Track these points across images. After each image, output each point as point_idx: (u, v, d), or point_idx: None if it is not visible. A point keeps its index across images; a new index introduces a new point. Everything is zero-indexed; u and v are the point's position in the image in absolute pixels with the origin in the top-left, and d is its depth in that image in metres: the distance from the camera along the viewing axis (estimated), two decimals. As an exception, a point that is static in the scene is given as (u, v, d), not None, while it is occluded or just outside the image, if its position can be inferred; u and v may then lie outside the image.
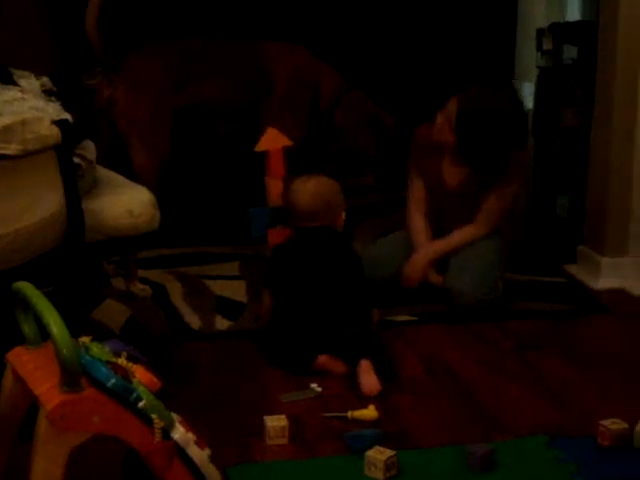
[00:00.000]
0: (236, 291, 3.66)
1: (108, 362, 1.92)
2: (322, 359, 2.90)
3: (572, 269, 3.89)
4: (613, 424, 2.47)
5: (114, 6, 3.70)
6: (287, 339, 2.95)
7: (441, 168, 3.55)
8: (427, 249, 3.53)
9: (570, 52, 5.46)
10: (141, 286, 3.60)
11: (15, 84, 2.85)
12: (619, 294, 3.69)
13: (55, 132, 2.53)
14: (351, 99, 4.04)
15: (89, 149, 3.03)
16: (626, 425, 2.47)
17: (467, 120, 3.36)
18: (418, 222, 3.58)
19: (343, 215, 3.21)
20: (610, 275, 3.74)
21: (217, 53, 3.90)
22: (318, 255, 3.07)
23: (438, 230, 3.60)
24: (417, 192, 3.61)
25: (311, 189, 3.16)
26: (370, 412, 2.64)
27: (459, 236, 3.53)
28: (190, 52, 3.87)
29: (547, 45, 5.48)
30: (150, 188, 3.27)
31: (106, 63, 3.73)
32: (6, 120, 2.41)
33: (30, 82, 2.91)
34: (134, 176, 3.56)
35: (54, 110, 2.62)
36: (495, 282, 3.46)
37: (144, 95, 3.73)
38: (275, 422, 2.54)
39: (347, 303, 3.01)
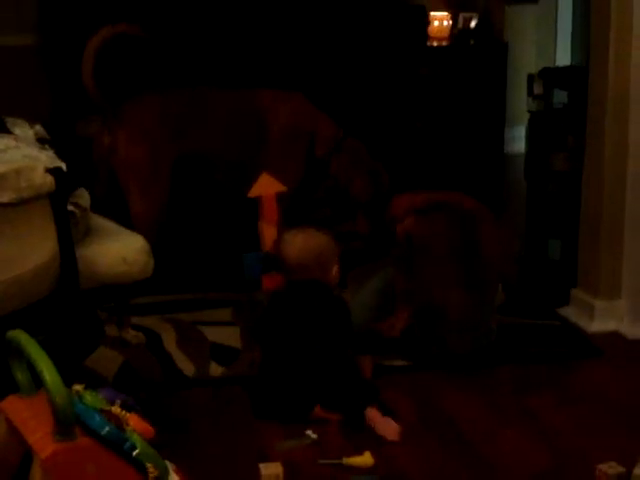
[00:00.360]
0: (230, 337, 3.65)
1: (102, 410, 1.91)
2: (317, 409, 2.89)
3: (565, 312, 3.89)
4: (610, 468, 2.46)
5: (111, 54, 3.71)
6: (280, 391, 2.93)
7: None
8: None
9: (560, 97, 5.51)
10: (134, 333, 3.59)
11: (9, 132, 2.87)
12: (613, 337, 3.68)
13: (49, 180, 2.54)
14: (347, 147, 4.05)
15: (83, 197, 3.03)
16: (623, 469, 2.46)
17: None
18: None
19: (336, 269, 3.19)
20: (604, 318, 3.73)
21: (214, 102, 3.92)
22: (305, 310, 3.07)
23: None
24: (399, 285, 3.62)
25: (300, 243, 3.16)
26: (365, 459, 2.63)
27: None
28: (187, 101, 3.88)
29: (538, 90, 5.54)
30: (147, 236, 3.28)
31: (104, 110, 3.74)
32: (0, 168, 2.42)
33: (24, 130, 2.93)
34: (131, 224, 3.57)
35: (48, 158, 2.64)
36: (489, 330, 3.46)
37: (143, 144, 3.74)
38: (270, 470, 2.52)
39: (334, 355, 3.00)
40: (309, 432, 2.80)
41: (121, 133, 3.73)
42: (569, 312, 3.87)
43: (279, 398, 2.93)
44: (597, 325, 3.73)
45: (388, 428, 2.80)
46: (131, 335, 3.57)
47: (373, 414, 2.84)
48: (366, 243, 4.04)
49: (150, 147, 3.74)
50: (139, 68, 4.70)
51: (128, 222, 3.58)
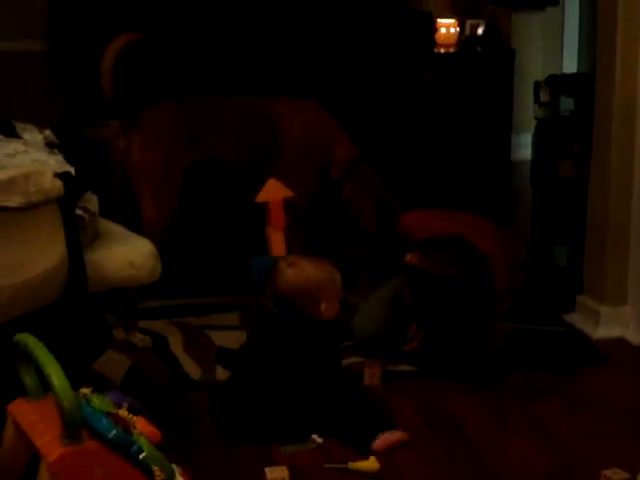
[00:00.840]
0: (237, 341, 3.65)
1: (109, 414, 1.92)
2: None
3: (571, 318, 3.89)
4: (615, 474, 2.47)
5: (128, 60, 3.72)
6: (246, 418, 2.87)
7: None
8: None
9: (567, 104, 5.52)
10: (141, 336, 3.60)
11: (18, 137, 2.88)
12: (619, 343, 3.69)
13: (58, 185, 2.55)
14: (362, 172, 3.99)
15: (92, 201, 3.05)
16: (628, 475, 2.47)
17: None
18: None
19: (328, 305, 3.08)
20: (609, 324, 3.74)
21: (229, 109, 3.91)
22: (284, 346, 2.97)
23: None
24: None
25: (291, 276, 3.08)
26: (371, 464, 2.63)
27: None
28: (202, 108, 3.89)
29: (544, 97, 5.55)
30: (157, 241, 3.30)
31: (121, 115, 3.76)
32: (9, 173, 2.44)
33: (33, 135, 2.94)
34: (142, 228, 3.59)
35: (56, 163, 2.65)
36: (497, 338, 3.47)
37: (157, 150, 3.75)
38: (276, 473, 2.53)
39: (309, 389, 2.89)
40: (315, 436, 2.81)
41: (136, 138, 3.75)
42: (575, 318, 3.88)
43: (246, 423, 2.86)
44: (603, 331, 3.73)
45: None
46: (138, 339, 3.58)
47: (382, 443, 2.78)
48: (368, 271, 4.02)
49: (164, 153, 3.76)
50: (156, 74, 4.72)
51: (141, 226, 3.61)
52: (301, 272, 3.10)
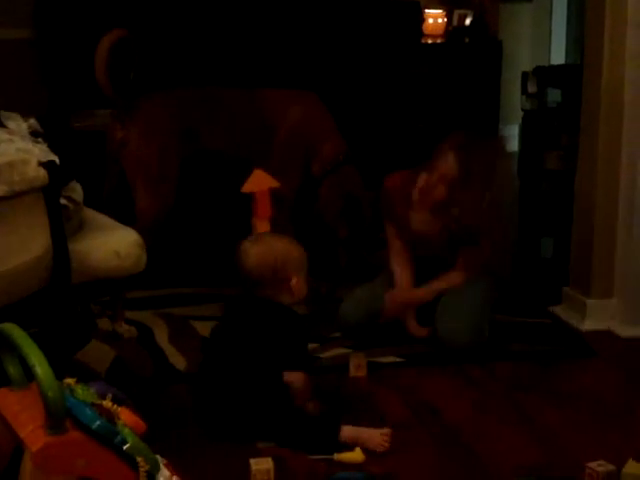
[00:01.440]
0: (222, 332, 3.65)
1: (93, 404, 1.91)
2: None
3: (557, 310, 3.90)
4: (600, 466, 2.47)
5: (124, 51, 3.70)
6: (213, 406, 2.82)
7: (409, 217, 3.54)
8: (408, 293, 3.55)
9: (554, 95, 5.52)
10: (126, 327, 3.59)
11: (2, 125, 2.87)
12: (604, 335, 3.69)
13: (42, 174, 2.54)
14: (342, 174, 3.96)
15: (76, 191, 3.03)
16: (613, 467, 2.47)
17: None
18: (397, 270, 3.59)
19: (297, 280, 2.94)
20: (596, 316, 3.74)
21: (226, 101, 3.89)
22: (248, 331, 2.89)
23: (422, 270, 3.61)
24: (392, 240, 3.61)
25: (256, 253, 2.94)
26: (356, 455, 2.63)
27: (438, 284, 3.53)
28: (200, 100, 3.87)
29: (532, 88, 5.55)
30: (149, 232, 3.27)
31: (118, 105, 3.74)
32: (-7, 161, 2.42)
33: (17, 124, 2.92)
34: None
35: (41, 152, 2.63)
36: (482, 327, 3.47)
37: (154, 141, 3.73)
38: (261, 465, 2.52)
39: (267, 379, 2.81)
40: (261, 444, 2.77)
41: (133, 128, 3.73)
42: (561, 310, 3.88)
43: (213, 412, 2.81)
44: (589, 324, 3.73)
45: (373, 440, 2.71)
46: (124, 329, 3.57)
47: (348, 433, 2.72)
48: (343, 274, 4.02)
49: (161, 144, 3.74)
50: (153, 65, 4.69)
51: (135, 217, 3.60)
52: (266, 247, 2.97)
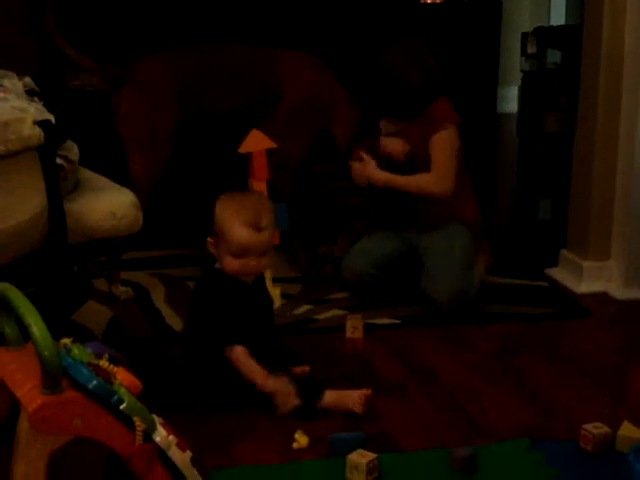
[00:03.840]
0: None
1: (89, 364, 1.91)
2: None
3: (554, 273, 3.90)
4: (595, 428, 2.48)
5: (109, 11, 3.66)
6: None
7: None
8: (374, 170, 3.57)
9: (554, 56, 5.49)
10: (123, 288, 3.59)
11: (-3, 84, 2.84)
12: (601, 298, 3.70)
13: (37, 133, 2.52)
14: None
15: (72, 150, 3.01)
16: (608, 429, 2.48)
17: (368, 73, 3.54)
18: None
19: (223, 252, 2.73)
20: (593, 279, 3.75)
21: (228, 60, 3.82)
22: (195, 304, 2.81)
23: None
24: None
25: (216, 210, 2.75)
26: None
27: (415, 179, 3.54)
28: (198, 59, 3.78)
29: (531, 49, 5.52)
30: (145, 194, 3.25)
31: (80, 64, 3.69)
32: (-12, 120, 2.40)
33: (13, 82, 2.90)
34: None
35: (36, 111, 2.61)
36: (470, 281, 3.50)
37: (146, 104, 3.67)
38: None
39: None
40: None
41: (124, 92, 3.68)
42: (558, 273, 3.88)
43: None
44: (586, 286, 3.74)
45: (350, 400, 2.68)
46: (120, 290, 3.57)
47: (329, 398, 2.68)
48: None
49: (152, 106, 3.67)
50: (151, 25, 4.63)
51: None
52: (221, 205, 2.76)
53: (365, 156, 3.56)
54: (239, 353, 2.68)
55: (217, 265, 2.78)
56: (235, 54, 3.85)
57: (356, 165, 3.59)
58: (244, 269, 2.73)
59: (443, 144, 3.51)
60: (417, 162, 3.54)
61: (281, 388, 2.66)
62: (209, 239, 2.76)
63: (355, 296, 3.61)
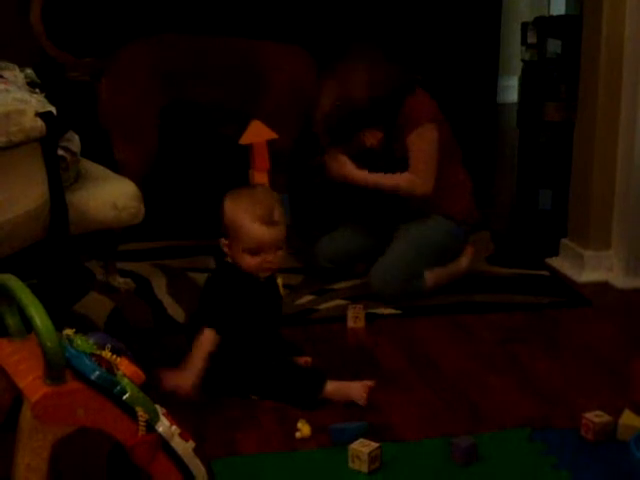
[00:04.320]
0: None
1: (92, 355, 1.91)
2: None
3: (555, 262, 3.91)
4: (597, 417, 2.48)
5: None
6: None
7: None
8: (347, 167, 3.56)
9: (554, 46, 5.48)
10: (121, 280, 3.59)
11: (-1, 75, 2.85)
12: (602, 287, 3.71)
13: (39, 124, 2.52)
14: None
15: (73, 141, 3.02)
16: (610, 418, 2.48)
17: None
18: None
19: (236, 248, 2.70)
20: (593, 268, 3.76)
21: (212, 50, 3.82)
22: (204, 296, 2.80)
23: None
24: None
25: (225, 207, 2.74)
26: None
27: (394, 178, 3.53)
28: (183, 48, 3.79)
29: (532, 39, 5.51)
30: (135, 183, 3.24)
31: (57, 59, 3.68)
32: (-10, 112, 2.40)
33: (14, 74, 2.90)
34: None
35: (38, 102, 2.61)
36: (416, 278, 3.53)
37: (127, 93, 3.66)
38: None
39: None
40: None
41: (106, 81, 3.67)
42: (558, 262, 3.89)
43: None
44: (586, 275, 3.75)
45: (353, 392, 2.69)
46: (119, 282, 3.57)
47: (331, 388, 2.68)
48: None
49: (133, 95, 3.66)
50: (134, 16, 4.62)
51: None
52: (231, 202, 2.73)
53: (341, 157, 3.55)
54: (209, 339, 2.63)
55: (229, 259, 2.76)
56: (218, 44, 3.85)
57: (333, 165, 3.58)
58: (262, 265, 2.70)
59: (419, 143, 3.49)
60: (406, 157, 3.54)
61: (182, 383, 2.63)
62: (222, 240, 2.73)
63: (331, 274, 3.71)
